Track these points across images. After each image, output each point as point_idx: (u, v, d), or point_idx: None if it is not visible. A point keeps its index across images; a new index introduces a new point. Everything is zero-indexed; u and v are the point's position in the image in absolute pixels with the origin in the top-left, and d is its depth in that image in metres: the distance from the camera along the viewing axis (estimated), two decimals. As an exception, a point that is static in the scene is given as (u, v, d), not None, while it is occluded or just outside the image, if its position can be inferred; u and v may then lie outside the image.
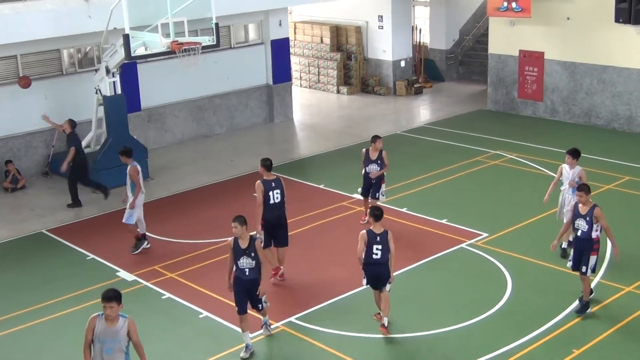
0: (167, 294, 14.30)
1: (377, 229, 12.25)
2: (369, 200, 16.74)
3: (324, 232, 17.00)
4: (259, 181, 14.21)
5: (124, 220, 15.98)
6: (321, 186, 19.80)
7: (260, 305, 12.15)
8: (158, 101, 23.75)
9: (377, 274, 12.34)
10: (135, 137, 21.22)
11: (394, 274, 12.62)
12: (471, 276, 14.63)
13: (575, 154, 14.83)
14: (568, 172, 14.84)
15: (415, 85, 30.13)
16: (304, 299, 14.00)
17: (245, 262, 11.77)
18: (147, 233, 16.52)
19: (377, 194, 16.71)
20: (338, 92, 30.60)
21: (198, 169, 21.67)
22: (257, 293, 11.93)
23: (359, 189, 17.46)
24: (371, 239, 12.20)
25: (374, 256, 12.21)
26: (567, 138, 23.18)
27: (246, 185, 20.04)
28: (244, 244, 11.77)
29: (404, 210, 17.89)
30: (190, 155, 22.98)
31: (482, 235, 16.37)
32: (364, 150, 16.83)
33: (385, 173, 16.73)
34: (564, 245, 15.00)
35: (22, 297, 14.44)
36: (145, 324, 13.31)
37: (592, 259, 12.79)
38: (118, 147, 19.98)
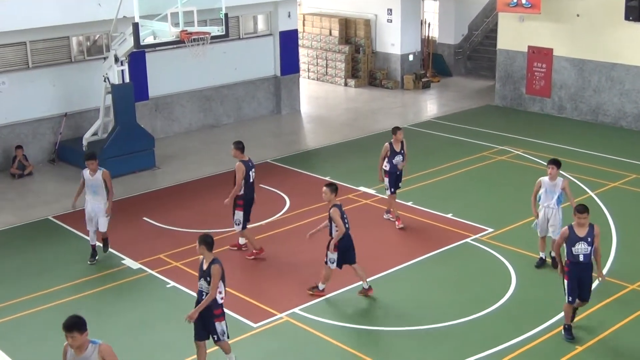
0: (172, 283, 14.34)
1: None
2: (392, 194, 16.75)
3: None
4: (239, 162, 14.74)
5: (105, 229, 15.18)
6: (327, 178, 19.79)
7: (215, 336, 11.05)
8: (166, 90, 23.77)
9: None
10: (142, 126, 21.26)
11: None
12: (476, 271, 14.65)
13: (559, 163, 14.05)
14: (550, 184, 14.05)
15: (423, 80, 30.09)
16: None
17: (204, 286, 10.90)
18: (150, 220, 16.54)
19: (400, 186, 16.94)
20: (345, 84, 30.58)
21: (204, 159, 21.70)
22: (186, 318, 10.89)
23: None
24: None
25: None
26: (574, 135, 23.20)
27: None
28: (205, 265, 10.93)
29: (409, 204, 17.90)
30: (197, 145, 23.01)
31: (487, 230, 16.37)
32: (387, 144, 16.47)
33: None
34: (542, 255, 14.73)
35: (27, 283, 14.50)
36: (150, 312, 13.39)
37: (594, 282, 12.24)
38: (126, 136, 20.17)
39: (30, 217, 17.79)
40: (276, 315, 13.07)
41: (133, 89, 20.51)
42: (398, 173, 16.53)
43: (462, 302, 13.50)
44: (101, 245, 15.44)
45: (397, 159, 16.41)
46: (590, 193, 18.26)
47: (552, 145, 22.00)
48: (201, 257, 11.01)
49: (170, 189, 19.53)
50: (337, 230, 13.13)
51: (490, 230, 16.37)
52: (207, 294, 10.76)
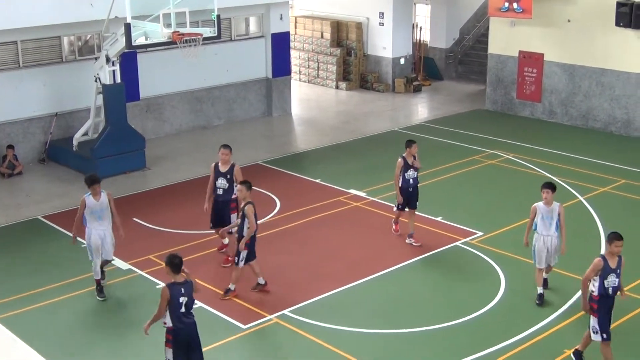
0: (162, 284, 14.26)
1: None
2: (407, 211, 16.07)
3: (319, 226, 17.03)
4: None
5: (112, 257, 14.18)
6: (318, 181, 19.83)
7: None
8: (157, 91, 23.74)
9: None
10: (133, 126, 21.22)
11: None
12: (465, 274, 14.69)
13: (554, 187, 13.15)
14: (546, 210, 13.03)
15: (414, 83, 30.16)
16: (298, 292, 14.03)
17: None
18: (140, 221, 16.49)
19: (417, 203, 16.04)
20: (337, 87, 30.61)
21: (195, 160, 21.67)
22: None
23: None
24: None
25: None
26: (564, 140, 23.28)
27: (243, 177, 20.05)
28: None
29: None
30: (188, 146, 22.98)
31: (477, 233, 16.41)
32: (400, 159, 15.62)
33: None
34: (540, 290, 13.50)
35: (16, 283, 14.45)
36: (139, 313, 13.36)
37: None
38: (116, 136, 20.13)
39: (19, 216, 17.74)
40: (265, 316, 13.07)
41: (124, 89, 20.47)
42: (411, 190, 15.76)
43: (451, 305, 13.53)
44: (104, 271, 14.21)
45: (410, 173, 15.66)
46: (580, 198, 18.32)
47: (543, 150, 22.08)
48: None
49: (160, 189, 19.50)
50: (248, 228, 13.23)
51: (480, 233, 16.41)
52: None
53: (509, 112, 26.63)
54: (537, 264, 13.38)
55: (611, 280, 10.86)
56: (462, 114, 26.82)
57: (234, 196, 14.78)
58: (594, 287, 10.94)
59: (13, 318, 13.17)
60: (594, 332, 11.07)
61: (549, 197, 12.97)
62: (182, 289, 10.19)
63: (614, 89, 23.92)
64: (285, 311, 13.28)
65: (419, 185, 15.96)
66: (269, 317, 13.07)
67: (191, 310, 10.35)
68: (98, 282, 13.91)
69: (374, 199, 18.37)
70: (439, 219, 17.23)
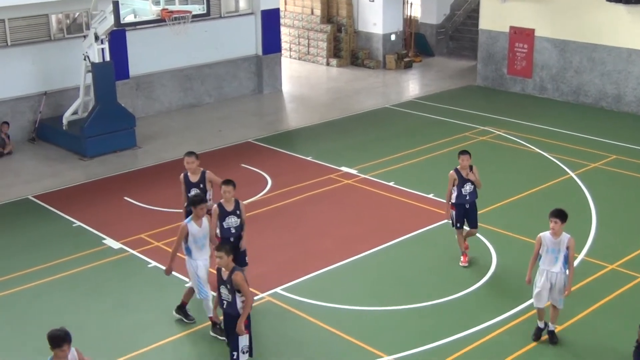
0: (154, 263, 14.30)
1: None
2: (466, 230, 14.15)
3: (311, 203, 17.02)
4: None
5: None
6: (309, 158, 19.79)
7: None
8: (146, 69, 23.60)
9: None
10: (123, 105, 21.10)
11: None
12: (456, 251, 14.70)
13: (564, 216, 11.12)
14: (552, 242, 11.17)
15: (405, 59, 30.06)
16: (290, 270, 14.04)
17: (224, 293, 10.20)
18: (131, 200, 16.42)
19: (477, 221, 14.14)
20: (327, 64, 30.49)
21: (186, 138, 21.60)
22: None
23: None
24: None
25: None
26: (555, 116, 23.28)
27: (234, 155, 20.06)
28: (225, 275, 10.13)
29: (391, 184, 17.92)
30: (178, 125, 22.90)
31: (468, 210, 16.40)
32: (452, 172, 13.73)
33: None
34: (540, 324, 11.80)
35: (6, 263, 14.41)
36: (131, 292, 13.36)
37: None
38: (106, 115, 20.01)
39: (9, 196, 17.66)
40: (258, 294, 13.07)
41: (113, 67, 20.35)
42: (467, 206, 13.87)
43: (443, 281, 13.56)
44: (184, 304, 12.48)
45: (467, 187, 13.71)
46: (571, 173, 18.35)
47: (534, 126, 22.07)
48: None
49: (151, 168, 19.44)
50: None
51: (472, 210, 16.40)
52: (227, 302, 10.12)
53: (500, 88, 26.59)
54: (535, 303, 11.60)
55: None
56: (453, 90, 26.77)
57: (209, 201, 13.09)
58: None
59: (3, 299, 13.15)
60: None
61: (557, 228, 11.04)
62: None
63: (605, 65, 23.89)
64: (278, 289, 13.29)
65: (476, 200, 14.03)
66: (261, 295, 13.07)
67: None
68: (214, 321, 11.85)
69: (366, 176, 18.36)
70: (430, 195, 17.23)
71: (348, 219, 16.24)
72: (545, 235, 11.18)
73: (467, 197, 13.73)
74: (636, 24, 22.93)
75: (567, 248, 11.08)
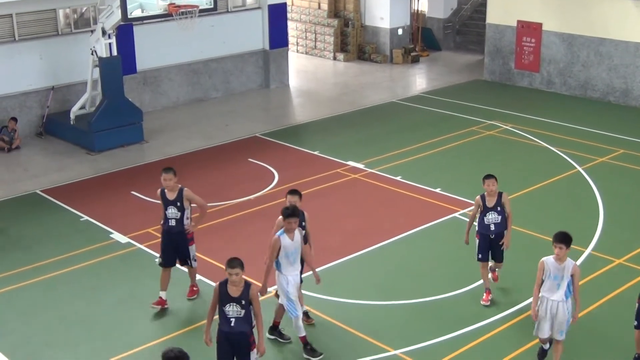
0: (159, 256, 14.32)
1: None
2: (492, 265, 12.89)
3: (318, 198, 17.02)
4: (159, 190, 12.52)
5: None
6: (316, 152, 19.80)
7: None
8: (154, 64, 23.63)
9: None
10: (130, 99, 21.15)
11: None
12: (463, 246, 14.66)
13: (569, 241, 10.30)
14: (556, 268, 10.37)
15: (412, 54, 30.02)
16: (297, 264, 14.03)
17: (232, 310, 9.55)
18: (138, 194, 16.39)
19: (502, 255, 12.68)
20: (334, 58, 30.48)
21: (193, 132, 21.63)
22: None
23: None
24: None
25: None
26: (562, 110, 23.23)
27: (241, 150, 20.08)
28: (236, 292, 9.57)
29: (398, 178, 17.92)
30: (185, 119, 22.92)
31: (475, 205, 16.39)
32: (478, 197, 12.42)
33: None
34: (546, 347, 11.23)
35: (15, 257, 14.46)
36: (139, 286, 13.39)
37: None
38: (114, 109, 20.06)
39: (17, 190, 17.72)
40: (265, 289, 13.07)
41: (121, 62, 20.38)
42: (492, 237, 12.42)
43: (450, 276, 13.56)
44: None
45: (490, 216, 12.32)
46: (579, 168, 18.32)
47: (541, 120, 22.03)
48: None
49: (158, 162, 19.42)
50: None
51: (478, 204, 16.38)
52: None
53: (507, 82, 26.54)
54: (535, 332, 10.88)
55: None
56: (460, 84, 26.74)
57: (187, 220, 12.35)
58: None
59: (11, 293, 13.20)
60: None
61: (562, 254, 10.26)
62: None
63: (613, 59, 23.83)
64: (284, 283, 13.28)
65: (505, 232, 12.50)
66: (268, 289, 13.04)
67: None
68: (306, 341, 11.30)
69: (372, 171, 18.36)
70: (437, 190, 17.23)
71: (355, 214, 16.25)
72: (549, 260, 10.43)
73: (492, 228, 12.33)
74: (644, 18, 22.91)
75: (572, 276, 10.38)
